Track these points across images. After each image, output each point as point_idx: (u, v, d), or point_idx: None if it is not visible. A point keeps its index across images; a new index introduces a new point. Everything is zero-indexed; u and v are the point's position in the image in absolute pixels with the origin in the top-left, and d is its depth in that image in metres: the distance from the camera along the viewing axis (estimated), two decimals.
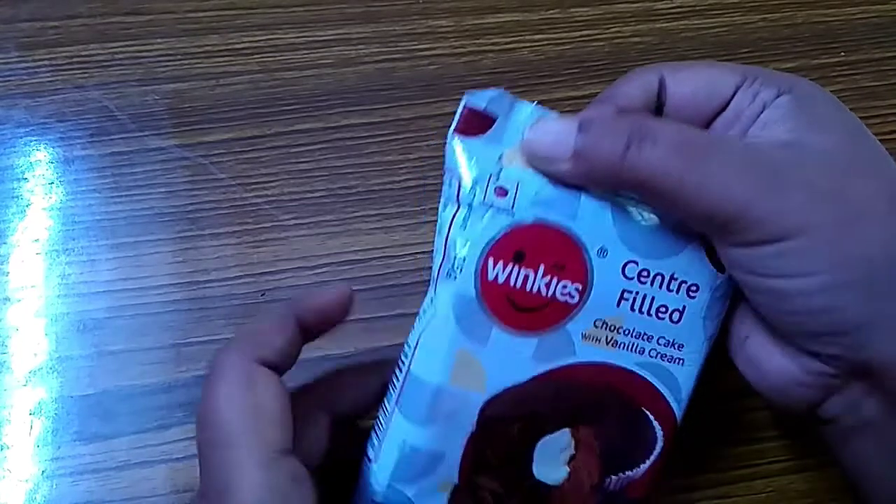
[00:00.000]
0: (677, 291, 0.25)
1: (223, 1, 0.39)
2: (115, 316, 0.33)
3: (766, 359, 0.25)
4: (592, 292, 0.24)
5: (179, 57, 0.38)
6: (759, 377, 0.25)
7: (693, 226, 0.24)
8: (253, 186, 0.36)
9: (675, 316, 0.25)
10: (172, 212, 0.35)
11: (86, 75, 0.37)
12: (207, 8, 0.39)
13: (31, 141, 0.36)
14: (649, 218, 0.24)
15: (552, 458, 0.25)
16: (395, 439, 0.25)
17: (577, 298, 0.24)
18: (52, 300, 0.33)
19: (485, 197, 0.23)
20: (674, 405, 0.26)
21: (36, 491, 0.30)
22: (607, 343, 0.25)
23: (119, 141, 0.36)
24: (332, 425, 0.27)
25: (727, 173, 0.22)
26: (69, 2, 0.39)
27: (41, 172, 0.36)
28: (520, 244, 0.23)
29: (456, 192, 0.24)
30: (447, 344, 0.24)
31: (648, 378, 0.25)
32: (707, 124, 0.26)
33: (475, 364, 0.24)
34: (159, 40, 0.38)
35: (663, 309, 0.25)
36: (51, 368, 0.32)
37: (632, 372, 0.25)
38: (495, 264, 0.23)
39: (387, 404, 0.25)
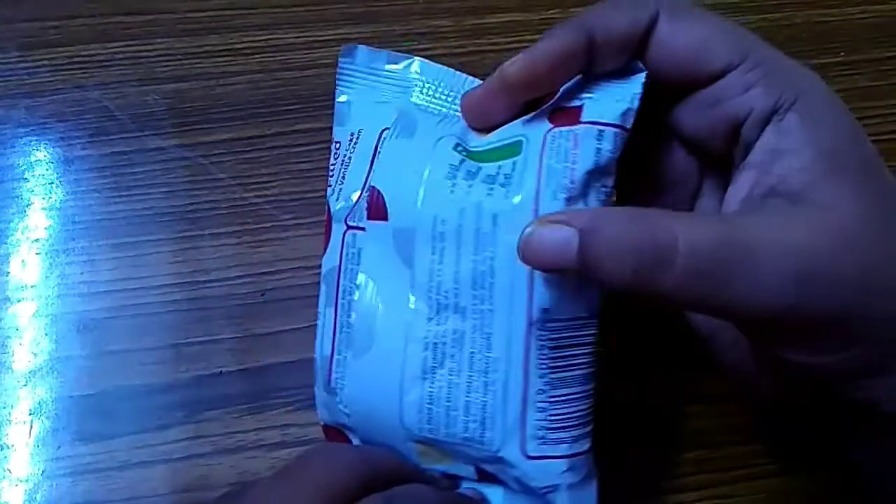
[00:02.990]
0: None
1: (223, 1, 0.39)
2: (115, 316, 0.33)
3: None
4: None
5: (179, 57, 0.38)
6: None
7: None
8: (253, 186, 0.36)
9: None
10: (172, 212, 0.35)
11: (86, 75, 0.37)
12: (207, 8, 0.39)
13: (31, 141, 0.36)
14: None
15: None
16: None
17: None
18: (52, 300, 0.33)
19: None
20: None
21: (36, 491, 0.30)
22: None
23: (119, 141, 0.36)
24: None
25: (753, 288, 0.20)
26: (69, 2, 0.39)
27: (41, 172, 0.36)
28: None
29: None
30: None
31: None
32: (683, 89, 0.24)
33: None
34: (159, 40, 0.38)
35: None
36: (51, 368, 0.32)
37: None
38: None
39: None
